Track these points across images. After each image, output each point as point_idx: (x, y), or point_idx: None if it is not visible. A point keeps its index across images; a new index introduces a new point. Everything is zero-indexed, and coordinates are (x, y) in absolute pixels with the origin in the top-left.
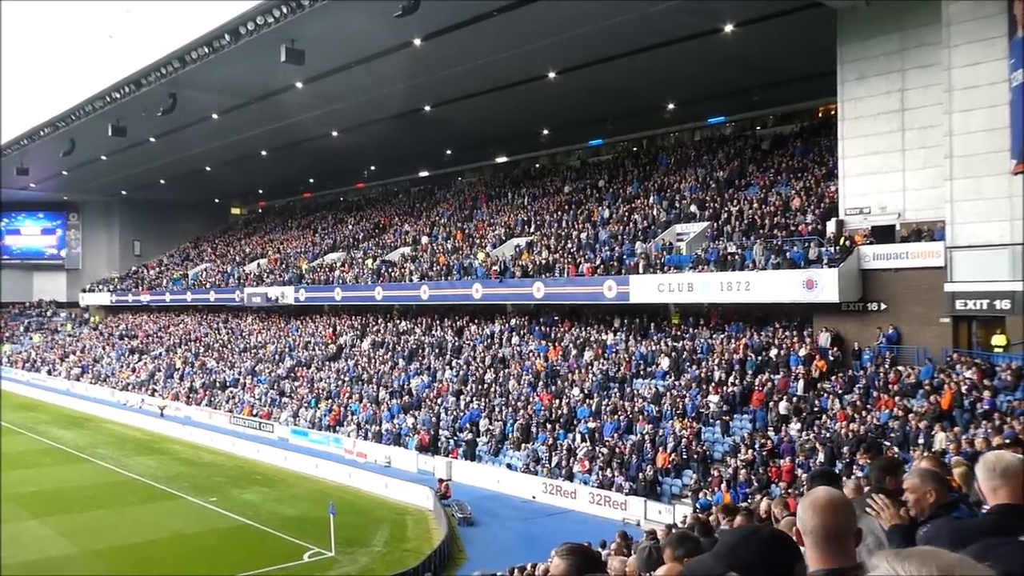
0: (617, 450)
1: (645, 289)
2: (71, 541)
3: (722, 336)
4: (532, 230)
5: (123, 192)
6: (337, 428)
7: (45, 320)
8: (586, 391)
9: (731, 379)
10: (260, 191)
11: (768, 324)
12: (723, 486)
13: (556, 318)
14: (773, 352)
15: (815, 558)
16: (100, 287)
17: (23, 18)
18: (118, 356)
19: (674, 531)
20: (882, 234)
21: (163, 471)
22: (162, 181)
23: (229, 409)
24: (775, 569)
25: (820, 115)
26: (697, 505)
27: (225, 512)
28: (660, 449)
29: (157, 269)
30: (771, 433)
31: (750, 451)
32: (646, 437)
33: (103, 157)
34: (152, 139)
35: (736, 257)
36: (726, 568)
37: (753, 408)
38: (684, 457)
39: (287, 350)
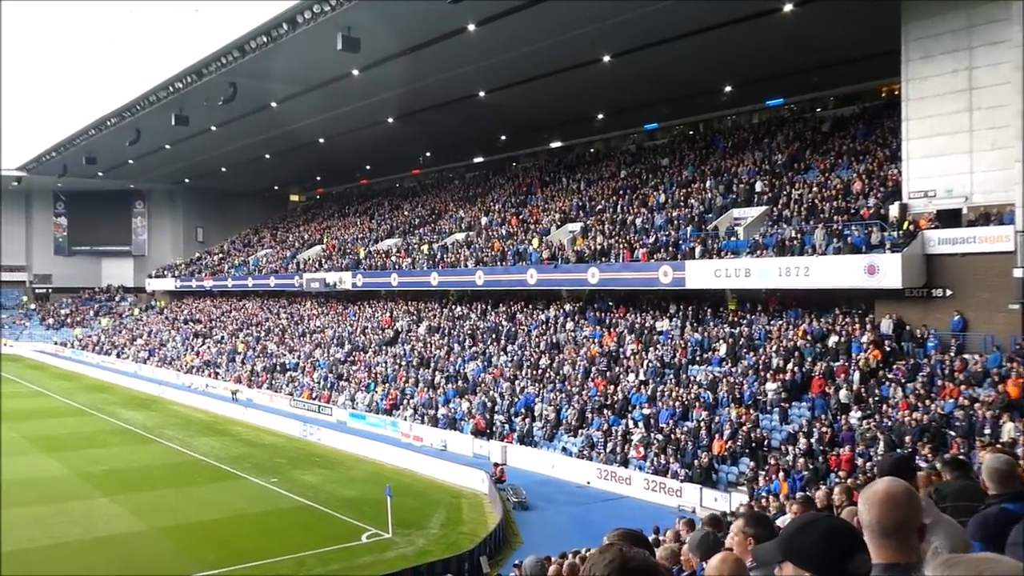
0: (672, 437)
1: (701, 274)
2: (140, 519)
3: (780, 322)
4: (587, 215)
5: (186, 180)
6: (394, 412)
7: (114, 305)
8: (642, 377)
9: (789, 366)
10: (318, 178)
11: (828, 310)
12: (780, 475)
13: (611, 304)
14: (833, 339)
15: (875, 551)
16: (165, 273)
17: (93, 11)
18: (183, 340)
19: (753, 510)
20: (948, 218)
21: (226, 452)
22: (223, 169)
23: (289, 392)
24: (832, 558)
25: (883, 96)
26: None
27: (286, 493)
28: (716, 436)
29: (219, 255)
30: (830, 421)
31: (808, 439)
32: (702, 424)
33: (167, 146)
34: (214, 128)
35: (795, 242)
36: (784, 556)
37: (812, 396)
38: (741, 445)
39: (345, 335)
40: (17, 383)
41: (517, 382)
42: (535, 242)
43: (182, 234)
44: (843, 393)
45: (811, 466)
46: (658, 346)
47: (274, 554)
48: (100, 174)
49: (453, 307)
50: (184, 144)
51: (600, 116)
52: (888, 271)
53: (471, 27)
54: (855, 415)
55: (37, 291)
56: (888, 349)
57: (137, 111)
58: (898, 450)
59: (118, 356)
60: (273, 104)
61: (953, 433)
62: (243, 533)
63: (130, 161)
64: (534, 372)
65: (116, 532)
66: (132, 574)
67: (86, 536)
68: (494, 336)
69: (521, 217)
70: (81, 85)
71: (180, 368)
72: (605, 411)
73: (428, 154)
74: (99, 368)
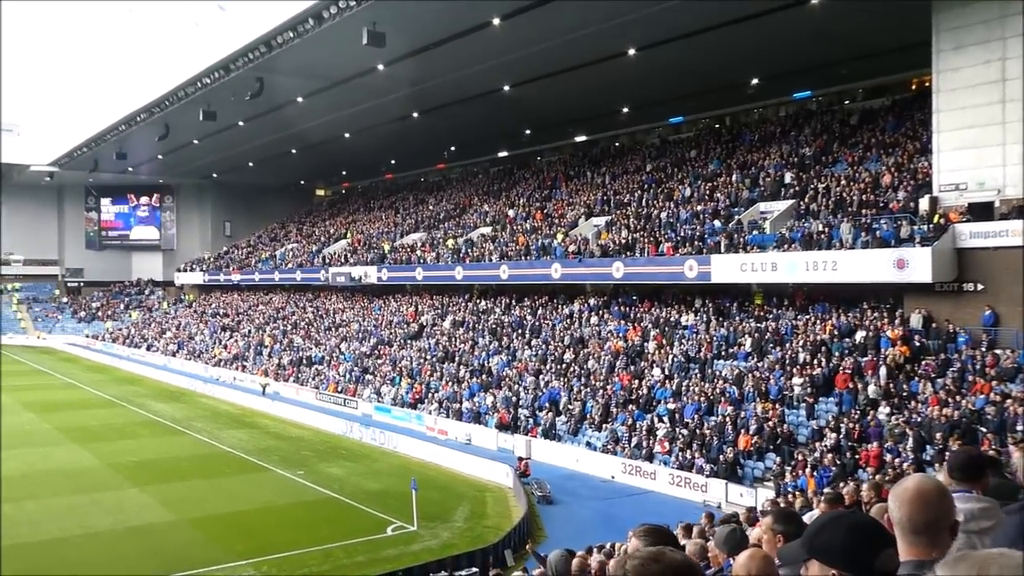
0: (698, 432)
1: (727, 269)
2: (170, 509)
3: (807, 317)
4: (611, 209)
5: (214, 175)
6: (418, 405)
7: (143, 298)
8: (666, 372)
9: (816, 361)
10: (343, 173)
11: (856, 305)
12: (807, 470)
13: (635, 298)
14: (861, 334)
15: (903, 548)
16: (193, 267)
17: (119, 8)
18: (211, 333)
19: (781, 506)
20: (979, 211)
21: (254, 444)
22: (250, 164)
23: (315, 385)
24: (858, 555)
25: (913, 87)
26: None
27: (312, 485)
28: (742, 431)
29: (247, 249)
30: (858, 417)
31: (836, 435)
32: (727, 419)
33: (195, 141)
34: (241, 123)
35: (823, 236)
36: (809, 554)
37: (839, 391)
38: (766, 440)
39: (370, 328)
40: (50, 375)
41: (541, 376)
42: (559, 236)
43: (210, 228)
44: (871, 388)
45: (839, 462)
46: (683, 341)
47: (301, 545)
48: (130, 169)
49: (478, 301)
50: (212, 139)
51: (625, 110)
52: (918, 265)
53: (496, 21)
54: (883, 411)
55: (69, 285)
56: (917, 344)
57: (166, 107)
58: (927, 446)
59: (148, 349)
60: (299, 99)
61: (984, 429)
62: (270, 524)
63: (159, 156)
64: (558, 366)
65: (146, 522)
66: (162, 564)
67: (117, 526)
68: (519, 330)
69: (546, 211)
70: (111, 82)
71: (208, 361)
72: (630, 406)
73: (453, 148)
74: (129, 361)
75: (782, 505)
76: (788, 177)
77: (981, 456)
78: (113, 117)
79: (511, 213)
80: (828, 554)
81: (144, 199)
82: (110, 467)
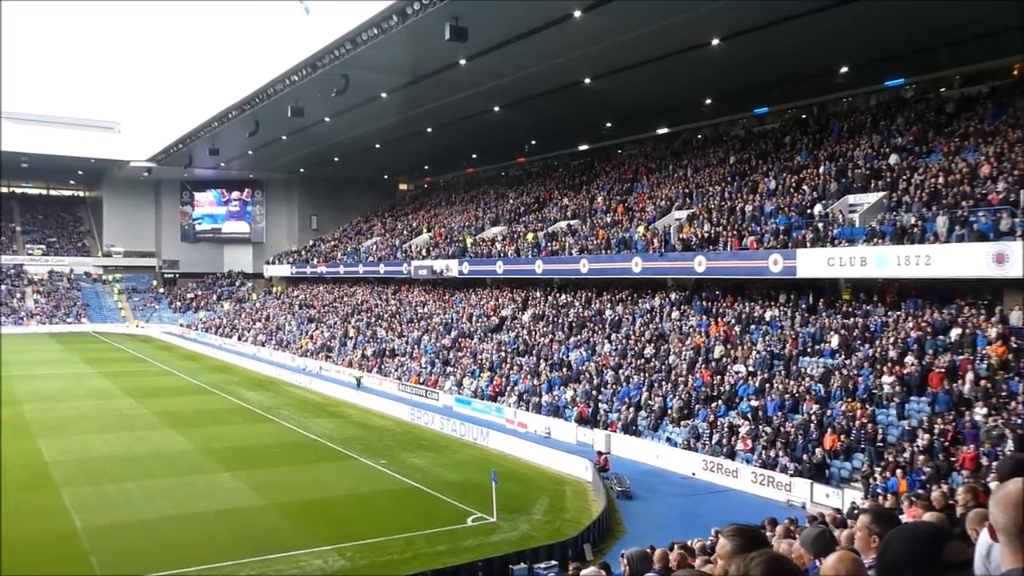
0: (781, 430)
1: (813, 263)
2: (259, 494)
3: (898, 313)
4: (694, 203)
5: (301, 170)
6: (498, 398)
7: (234, 290)
8: (749, 368)
9: (907, 359)
10: (426, 167)
11: (951, 301)
12: (899, 472)
13: (717, 293)
14: (956, 331)
15: (1008, 556)
16: (281, 259)
17: (215, 10)
18: (297, 324)
19: (880, 506)
20: None
21: (338, 433)
22: (336, 159)
23: (398, 377)
24: (922, 558)
25: (1015, 73)
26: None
27: (394, 474)
28: (828, 430)
29: (332, 242)
30: (953, 418)
31: (929, 436)
32: (812, 417)
33: (283, 137)
34: (327, 119)
35: (916, 229)
36: (881, 574)
37: (932, 390)
38: (854, 440)
39: (451, 321)
40: (147, 362)
41: (621, 371)
42: (640, 230)
43: (297, 222)
44: (967, 388)
45: (932, 464)
46: (767, 337)
47: (384, 533)
48: (222, 165)
49: (557, 295)
50: (299, 135)
51: (708, 101)
52: (1019, 260)
53: (577, 13)
54: (980, 411)
55: (166, 276)
56: (1017, 343)
57: (256, 104)
58: None
59: (239, 339)
60: (383, 94)
61: None
62: (354, 511)
63: (249, 152)
64: (639, 361)
65: (236, 506)
66: (252, 546)
67: (209, 508)
68: (598, 324)
69: (626, 205)
70: (205, 81)
71: (295, 351)
72: (711, 402)
73: (533, 142)
74: (221, 350)
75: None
76: (878, 169)
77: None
78: (206, 114)
79: (600, 200)
80: (898, 569)
81: (235, 194)
82: (203, 451)
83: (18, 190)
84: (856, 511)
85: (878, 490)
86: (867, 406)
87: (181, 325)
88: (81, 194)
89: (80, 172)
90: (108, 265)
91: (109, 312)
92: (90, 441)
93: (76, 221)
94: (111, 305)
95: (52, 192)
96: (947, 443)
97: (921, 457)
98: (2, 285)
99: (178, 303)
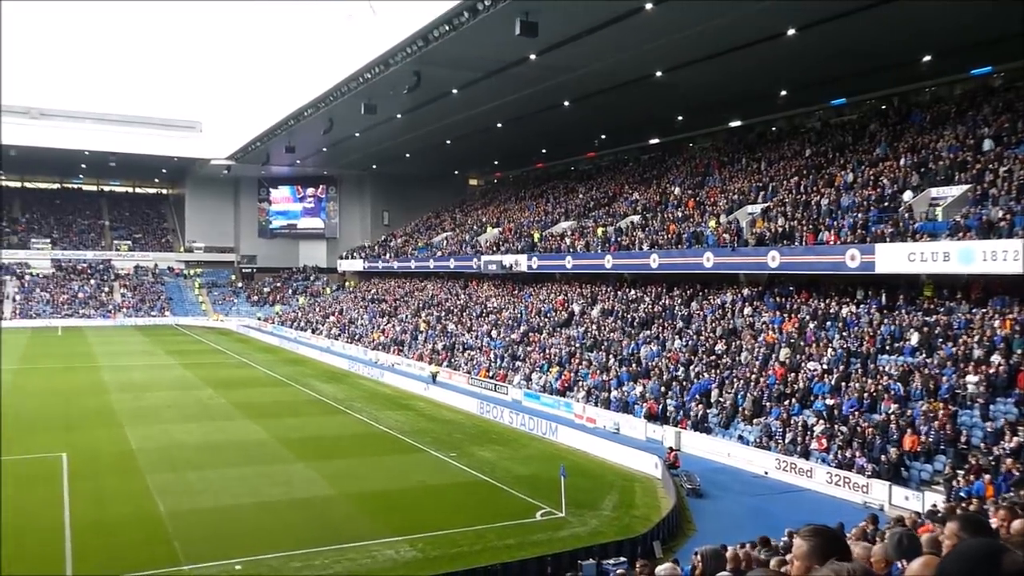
0: (858, 429)
1: (893, 258)
2: (331, 484)
3: (983, 311)
4: (768, 196)
5: (374, 166)
6: (567, 393)
7: (309, 284)
8: (824, 366)
9: (994, 358)
10: (495, 162)
11: None
12: (984, 476)
13: (791, 288)
14: None
15: None
16: (354, 254)
17: (291, 12)
18: (370, 318)
19: (969, 511)
20: None
21: (409, 426)
22: (407, 155)
23: (467, 371)
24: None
25: None
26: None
27: (464, 467)
28: (908, 431)
29: (403, 238)
30: None
31: (1018, 438)
32: (891, 417)
33: (357, 134)
34: (399, 116)
35: (1003, 223)
36: None
37: (1020, 391)
38: (935, 441)
39: (520, 316)
40: (226, 354)
41: (692, 367)
42: (712, 224)
43: (370, 217)
44: None
45: (1021, 468)
46: (843, 334)
47: (454, 525)
48: (298, 162)
49: (627, 290)
50: (372, 132)
51: (783, 92)
52: None
53: (648, 6)
54: None
55: (244, 270)
56: None
57: (330, 102)
58: None
59: (313, 332)
60: (454, 91)
61: None
62: (424, 503)
63: (324, 149)
64: (709, 357)
65: (311, 495)
66: (326, 534)
67: (284, 497)
68: (669, 320)
69: (698, 199)
70: (281, 80)
71: (368, 345)
72: (784, 400)
73: (603, 136)
74: (296, 343)
75: (965, 510)
76: (963, 161)
77: None
78: (283, 113)
79: (677, 191)
80: None
81: (310, 190)
82: (279, 441)
83: (107, 188)
84: (939, 514)
85: (961, 493)
86: (949, 406)
87: (258, 319)
88: (165, 191)
89: (164, 170)
90: (190, 260)
91: (191, 306)
92: (173, 429)
93: (160, 218)
94: (192, 299)
95: (138, 190)
96: None
97: (1009, 460)
98: (92, 279)
99: (255, 297)
